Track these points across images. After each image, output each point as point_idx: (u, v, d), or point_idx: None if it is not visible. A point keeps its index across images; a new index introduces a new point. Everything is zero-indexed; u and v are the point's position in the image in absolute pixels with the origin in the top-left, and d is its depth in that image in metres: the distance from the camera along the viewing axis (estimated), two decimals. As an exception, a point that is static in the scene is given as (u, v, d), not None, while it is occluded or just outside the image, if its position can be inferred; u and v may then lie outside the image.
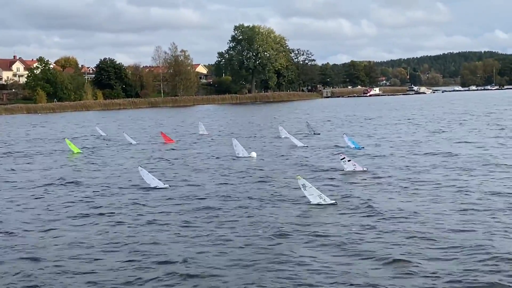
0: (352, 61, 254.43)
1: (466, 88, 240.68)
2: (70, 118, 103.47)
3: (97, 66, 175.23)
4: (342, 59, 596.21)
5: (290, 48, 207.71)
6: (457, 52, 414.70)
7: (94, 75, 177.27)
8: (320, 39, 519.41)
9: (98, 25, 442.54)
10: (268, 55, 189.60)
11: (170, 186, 24.49)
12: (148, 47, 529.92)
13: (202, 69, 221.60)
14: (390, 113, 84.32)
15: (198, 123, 59.99)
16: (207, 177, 27.63)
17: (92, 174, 30.26)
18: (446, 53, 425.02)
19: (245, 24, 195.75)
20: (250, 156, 35.25)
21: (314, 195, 19.09)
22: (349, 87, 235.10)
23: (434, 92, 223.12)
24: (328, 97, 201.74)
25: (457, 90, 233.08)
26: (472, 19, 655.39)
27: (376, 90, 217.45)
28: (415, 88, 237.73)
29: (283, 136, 48.36)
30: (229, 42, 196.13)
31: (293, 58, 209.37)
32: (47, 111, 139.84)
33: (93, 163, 35.21)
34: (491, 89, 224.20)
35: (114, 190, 24.62)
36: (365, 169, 27.32)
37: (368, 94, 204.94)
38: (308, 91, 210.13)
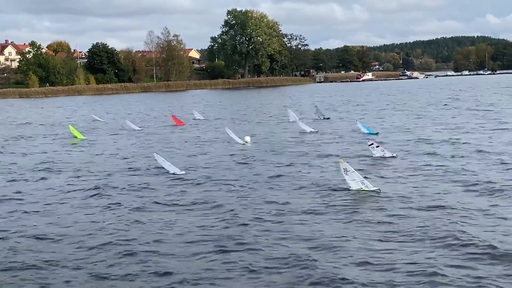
0: (345, 46, 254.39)
1: (459, 73, 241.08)
2: (64, 103, 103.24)
3: (90, 51, 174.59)
4: (334, 44, 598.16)
5: (283, 33, 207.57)
6: (450, 37, 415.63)
7: (86, 60, 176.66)
8: (312, 24, 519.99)
9: (89, 9, 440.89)
10: (261, 40, 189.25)
11: (186, 172, 23.36)
12: (140, 31, 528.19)
13: (195, 54, 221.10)
14: (385, 98, 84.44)
15: (193, 110, 59.37)
16: (227, 162, 26.41)
17: (104, 160, 28.92)
18: (438, 38, 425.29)
19: (238, 9, 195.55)
20: (245, 142, 34.29)
21: (356, 181, 18.10)
22: (342, 72, 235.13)
23: (427, 77, 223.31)
24: (321, 82, 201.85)
25: (450, 75, 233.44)
26: (463, 4, 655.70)
27: (369, 75, 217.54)
28: (408, 73, 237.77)
29: (291, 120, 47.38)
30: (222, 26, 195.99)
31: (286, 43, 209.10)
32: (39, 95, 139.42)
33: (102, 150, 33.58)
34: (484, 74, 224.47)
35: (129, 177, 23.37)
36: (394, 155, 25.98)
37: (361, 79, 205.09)
38: (301, 76, 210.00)
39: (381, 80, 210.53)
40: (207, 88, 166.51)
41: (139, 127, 47.25)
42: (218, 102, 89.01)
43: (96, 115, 60.79)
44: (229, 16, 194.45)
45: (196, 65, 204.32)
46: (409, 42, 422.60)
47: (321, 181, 20.46)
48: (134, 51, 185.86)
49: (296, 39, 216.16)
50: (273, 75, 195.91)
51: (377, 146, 26.26)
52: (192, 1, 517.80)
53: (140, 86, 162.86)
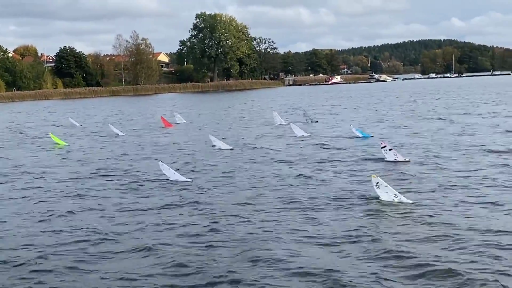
0: (313, 49, 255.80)
1: (426, 76, 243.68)
2: (31, 108, 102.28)
3: (57, 55, 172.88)
4: (302, 47, 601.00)
5: (252, 36, 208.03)
6: (417, 40, 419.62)
7: (54, 64, 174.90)
8: (279, 28, 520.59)
9: (55, 13, 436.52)
10: (230, 43, 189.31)
11: (192, 180, 22.32)
12: (108, 35, 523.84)
13: (163, 58, 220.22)
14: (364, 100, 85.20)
15: (174, 114, 58.65)
16: (233, 169, 25.14)
17: (93, 166, 27.62)
18: (406, 41, 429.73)
19: (207, 12, 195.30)
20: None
21: (388, 194, 17.40)
22: (311, 75, 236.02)
23: (395, 80, 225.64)
24: (290, 85, 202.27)
25: (417, 78, 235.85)
26: (428, 7, 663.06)
27: (338, 78, 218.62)
28: (376, 76, 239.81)
29: (277, 124, 46.60)
30: (190, 30, 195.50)
31: (255, 46, 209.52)
32: (6, 100, 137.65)
33: (87, 157, 31.91)
34: (450, 77, 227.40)
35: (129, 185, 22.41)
36: (407, 159, 24.77)
37: (330, 82, 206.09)
38: (270, 79, 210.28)
39: (350, 83, 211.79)
40: (176, 92, 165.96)
41: (122, 131, 45.73)
42: (192, 106, 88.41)
43: (72, 119, 59.38)
44: (197, 20, 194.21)
45: (165, 69, 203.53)
46: (377, 45, 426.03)
47: (349, 191, 19.48)
48: (102, 55, 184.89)
49: (265, 42, 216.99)
50: (242, 79, 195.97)
51: (390, 149, 25.14)
52: (159, 5, 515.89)
53: (109, 90, 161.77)
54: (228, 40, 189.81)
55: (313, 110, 62.28)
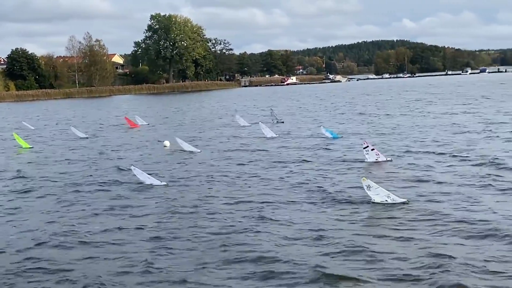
0: (269, 50, 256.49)
1: (380, 76, 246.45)
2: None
3: (8, 57, 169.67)
4: (257, 48, 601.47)
5: (207, 37, 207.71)
6: (370, 41, 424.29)
7: (5, 66, 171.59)
8: (234, 29, 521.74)
9: (5, 14, 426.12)
10: (185, 45, 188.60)
11: (167, 183, 21.75)
12: (60, 37, 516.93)
13: (118, 59, 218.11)
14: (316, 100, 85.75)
15: (135, 116, 57.72)
16: (209, 171, 24.53)
17: (63, 170, 26.80)
18: (360, 42, 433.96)
19: (162, 14, 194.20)
20: (164, 146, 33.68)
21: (380, 195, 17.02)
22: (267, 76, 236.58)
23: (349, 80, 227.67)
24: (246, 86, 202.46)
25: (371, 78, 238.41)
26: (380, 9, 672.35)
27: (294, 79, 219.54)
28: (331, 76, 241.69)
29: (242, 125, 46.15)
30: (145, 31, 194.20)
31: (211, 47, 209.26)
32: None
33: (56, 160, 31.05)
34: (403, 77, 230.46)
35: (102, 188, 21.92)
36: (389, 159, 24.21)
37: (285, 83, 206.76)
38: (226, 81, 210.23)
39: (305, 83, 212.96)
40: (131, 94, 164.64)
41: (85, 134, 44.45)
42: (150, 107, 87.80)
43: (27, 123, 57.85)
44: (152, 21, 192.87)
45: (120, 70, 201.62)
46: (331, 46, 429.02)
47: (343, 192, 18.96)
48: (55, 57, 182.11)
49: (220, 43, 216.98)
50: (198, 80, 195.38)
51: (372, 149, 24.40)
52: (112, 6, 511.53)
53: (62, 92, 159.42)
54: (184, 41, 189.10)
55: (276, 109, 62.02)
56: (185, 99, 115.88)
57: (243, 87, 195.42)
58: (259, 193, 19.40)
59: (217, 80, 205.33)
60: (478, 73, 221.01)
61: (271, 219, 15.92)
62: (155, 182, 21.76)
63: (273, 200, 18.15)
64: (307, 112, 60.31)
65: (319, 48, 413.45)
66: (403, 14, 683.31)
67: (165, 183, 21.72)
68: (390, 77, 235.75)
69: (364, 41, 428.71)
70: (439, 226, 14.43)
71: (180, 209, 17.62)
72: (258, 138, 36.76)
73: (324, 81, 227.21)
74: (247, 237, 14.35)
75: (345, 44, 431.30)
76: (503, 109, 49.58)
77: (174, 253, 13.39)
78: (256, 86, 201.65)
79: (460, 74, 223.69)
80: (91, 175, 24.92)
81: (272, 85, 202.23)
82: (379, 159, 24.02)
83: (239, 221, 15.85)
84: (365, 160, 24.32)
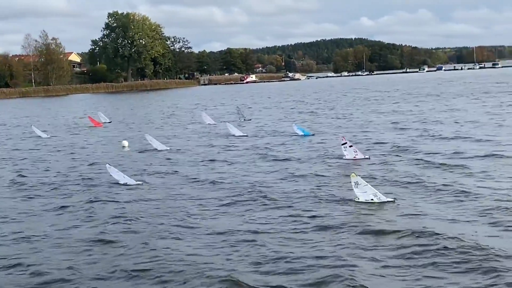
0: (228, 49, 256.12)
1: (339, 74, 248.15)
2: None
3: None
4: (216, 46, 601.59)
5: (166, 35, 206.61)
6: (329, 39, 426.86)
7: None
8: (193, 27, 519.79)
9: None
10: (144, 43, 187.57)
11: (143, 182, 21.27)
12: (15, 35, 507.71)
13: (75, 58, 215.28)
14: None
15: (98, 113, 56.98)
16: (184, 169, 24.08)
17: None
18: (319, 40, 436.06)
19: (119, 11, 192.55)
20: (123, 146, 33.22)
21: (367, 193, 16.44)
22: (226, 74, 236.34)
23: (308, 78, 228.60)
24: (205, 84, 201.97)
25: (330, 76, 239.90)
26: (338, 7, 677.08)
27: (253, 77, 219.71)
28: (290, 74, 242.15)
29: (207, 123, 45.90)
30: (102, 29, 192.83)
31: (170, 45, 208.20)
32: None
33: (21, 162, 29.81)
34: (362, 75, 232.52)
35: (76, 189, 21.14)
36: (366, 156, 23.75)
37: (245, 81, 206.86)
38: (186, 79, 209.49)
39: (264, 82, 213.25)
40: (89, 92, 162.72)
41: (46, 133, 43.48)
42: (110, 106, 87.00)
43: None
44: (110, 19, 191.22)
45: (77, 69, 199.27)
46: (290, 44, 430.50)
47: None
48: (10, 55, 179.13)
49: (179, 42, 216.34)
50: (157, 78, 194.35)
51: (350, 146, 23.94)
52: (68, 4, 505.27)
53: (18, 91, 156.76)
54: (142, 40, 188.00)
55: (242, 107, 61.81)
56: (145, 98, 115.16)
57: (203, 86, 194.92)
58: (233, 193, 18.82)
59: (176, 79, 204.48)
60: (435, 71, 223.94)
61: (252, 218, 15.57)
62: (131, 181, 21.31)
63: (247, 199, 17.83)
64: (272, 110, 60.27)
65: (279, 46, 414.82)
66: (361, 13, 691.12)
67: (140, 182, 21.30)
68: (349, 75, 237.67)
69: (323, 39, 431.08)
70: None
71: (147, 209, 17.22)
72: (226, 137, 36.22)
73: (283, 79, 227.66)
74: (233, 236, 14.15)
75: (304, 43, 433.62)
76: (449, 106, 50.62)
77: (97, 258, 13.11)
78: (216, 84, 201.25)
79: (417, 72, 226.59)
80: (58, 175, 24.45)
81: (231, 84, 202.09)
82: (357, 157, 23.61)
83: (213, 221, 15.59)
84: (344, 157, 23.92)
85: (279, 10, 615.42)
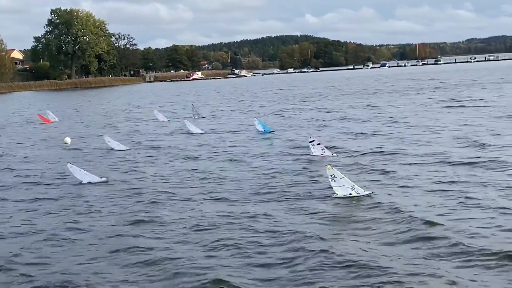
0: (174, 45, 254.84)
1: (285, 71, 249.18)
2: None
3: None
4: (161, 43, 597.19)
5: (111, 32, 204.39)
6: (275, 36, 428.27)
7: None
8: (138, 24, 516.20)
9: None
10: (87, 40, 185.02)
11: (107, 179, 20.88)
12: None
13: (17, 55, 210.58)
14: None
15: (46, 111, 55.78)
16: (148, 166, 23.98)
17: None
18: (264, 37, 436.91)
19: (62, 8, 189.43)
20: (65, 142, 32.65)
21: (345, 187, 16.06)
22: (172, 71, 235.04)
23: (254, 75, 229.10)
24: (151, 81, 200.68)
25: (276, 73, 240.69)
26: (282, 4, 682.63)
27: (199, 74, 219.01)
28: (236, 71, 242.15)
29: (161, 120, 45.62)
30: (45, 26, 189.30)
31: (114, 42, 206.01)
32: None
33: None
34: (307, 71, 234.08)
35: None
36: (334, 154, 23.63)
37: (191, 78, 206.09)
38: (131, 76, 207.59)
39: (210, 79, 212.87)
40: (32, 90, 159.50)
41: None
42: (56, 104, 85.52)
43: None
44: (53, 15, 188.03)
45: (20, 66, 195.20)
46: (236, 41, 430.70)
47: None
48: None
49: (124, 38, 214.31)
50: (101, 76, 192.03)
51: (318, 144, 23.84)
52: (10, 0, 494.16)
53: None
54: (86, 36, 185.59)
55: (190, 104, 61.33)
56: (91, 95, 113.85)
57: (148, 83, 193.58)
58: (200, 191, 18.52)
59: (121, 76, 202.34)
60: (379, 67, 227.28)
61: (215, 218, 15.26)
62: (94, 179, 20.76)
63: (214, 196, 17.63)
64: (226, 107, 60.35)
65: (224, 43, 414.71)
66: (305, 10, 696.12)
67: (105, 178, 20.82)
68: (294, 72, 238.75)
69: (268, 36, 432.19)
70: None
71: (111, 206, 17.00)
72: (184, 134, 35.92)
73: (229, 76, 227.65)
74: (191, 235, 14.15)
75: (250, 39, 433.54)
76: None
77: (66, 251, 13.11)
78: (161, 81, 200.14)
79: (361, 68, 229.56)
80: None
81: (177, 81, 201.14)
82: (325, 154, 23.52)
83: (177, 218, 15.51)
84: (311, 154, 23.85)
85: (224, 7, 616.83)
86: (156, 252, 12.38)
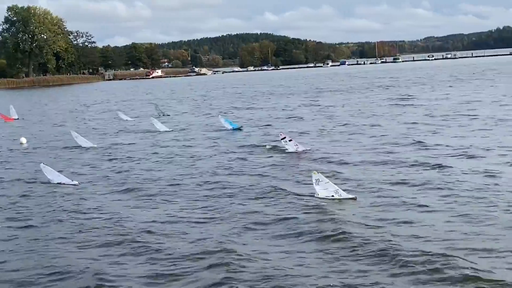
0: (133, 43, 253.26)
1: (245, 69, 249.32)
2: None
3: None
4: (120, 41, 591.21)
5: (69, 30, 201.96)
6: (235, 34, 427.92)
7: None
8: (96, 22, 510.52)
9: None
10: (45, 37, 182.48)
11: (79, 183, 20.37)
12: None
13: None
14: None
15: (10, 107, 54.83)
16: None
17: None
18: (224, 35, 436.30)
19: (19, 5, 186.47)
20: (20, 143, 32.28)
21: (328, 190, 16.24)
22: (132, 69, 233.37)
23: (215, 73, 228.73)
24: (110, 79, 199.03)
25: (237, 71, 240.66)
26: (242, 2, 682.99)
27: (159, 72, 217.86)
28: (197, 69, 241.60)
29: (125, 119, 45.40)
30: (2, 23, 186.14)
31: (72, 40, 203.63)
32: None
33: None
34: (267, 70, 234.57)
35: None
36: (308, 149, 24.13)
37: (150, 76, 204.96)
38: (90, 74, 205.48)
39: (170, 77, 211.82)
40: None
41: None
42: (15, 102, 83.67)
43: None
44: (9, 13, 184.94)
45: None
46: (196, 39, 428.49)
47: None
48: None
49: (82, 36, 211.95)
50: (60, 74, 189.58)
51: (290, 140, 24.32)
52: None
53: None
54: (43, 34, 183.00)
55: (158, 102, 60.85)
56: (51, 93, 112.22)
57: (107, 81, 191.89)
58: (169, 191, 18.39)
59: (80, 74, 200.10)
60: (339, 65, 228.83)
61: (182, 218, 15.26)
62: (66, 180, 20.39)
63: (186, 195, 17.60)
64: (189, 105, 60.14)
65: (184, 41, 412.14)
66: (265, 8, 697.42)
67: (76, 182, 20.33)
68: (255, 70, 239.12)
69: (228, 34, 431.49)
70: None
71: (82, 209, 16.66)
72: (151, 132, 35.61)
73: (189, 74, 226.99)
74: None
75: (209, 37, 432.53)
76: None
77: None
78: (121, 79, 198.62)
79: (322, 66, 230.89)
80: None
81: (137, 79, 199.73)
82: (299, 149, 23.90)
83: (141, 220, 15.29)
84: (286, 151, 24.14)
85: (183, 5, 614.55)
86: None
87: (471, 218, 13.58)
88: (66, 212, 16.27)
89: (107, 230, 14.23)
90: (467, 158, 20.94)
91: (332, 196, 16.17)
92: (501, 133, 26.36)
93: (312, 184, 16.65)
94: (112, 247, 12.85)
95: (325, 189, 16.35)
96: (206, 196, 17.34)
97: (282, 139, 24.64)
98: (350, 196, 16.18)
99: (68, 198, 18.12)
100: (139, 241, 13.09)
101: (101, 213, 15.96)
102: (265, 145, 26.21)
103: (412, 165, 20.03)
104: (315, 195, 16.44)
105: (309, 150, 24.16)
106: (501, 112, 34.51)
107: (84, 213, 16.13)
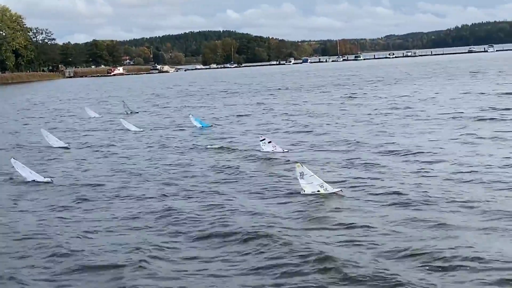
0: (94, 41, 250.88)
1: (208, 67, 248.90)
2: None
3: None
4: (81, 38, 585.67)
5: (28, 27, 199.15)
6: (198, 31, 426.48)
7: None
8: (56, 18, 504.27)
9: None
10: (4, 34, 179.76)
11: (52, 179, 20.02)
12: None
13: None
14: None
15: None
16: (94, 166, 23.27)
17: None
18: (187, 32, 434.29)
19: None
20: None
21: (313, 184, 15.93)
22: (93, 66, 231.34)
23: (177, 71, 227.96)
24: (70, 77, 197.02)
25: (199, 69, 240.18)
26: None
27: (120, 70, 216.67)
28: (159, 67, 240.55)
29: (92, 116, 45.15)
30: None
31: (32, 37, 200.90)
32: None
33: None
34: (230, 67, 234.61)
35: None
36: (285, 150, 23.82)
37: (112, 74, 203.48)
38: (50, 71, 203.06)
39: (132, 74, 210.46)
40: None
41: None
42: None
43: None
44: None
45: None
46: (158, 37, 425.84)
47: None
48: None
49: (42, 33, 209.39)
50: (19, 71, 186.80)
51: (269, 142, 24.12)
52: None
53: None
54: (2, 31, 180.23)
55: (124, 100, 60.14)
56: (12, 92, 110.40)
57: (68, 78, 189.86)
58: (158, 189, 18.14)
59: (40, 71, 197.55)
60: (301, 63, 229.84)
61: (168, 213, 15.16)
62: (38, 178, 20.07)
63: (169, 193, 17.43)
64: (157, 103, 59.82)
65: (146, 38, 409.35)
66: (227, 5, 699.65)
67: (49, 179, 20.01)
68: (217, 67, 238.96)
69: (191, 32, 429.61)
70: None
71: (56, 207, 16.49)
72: (121, 130, 35.27)
73: (151, 71, 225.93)
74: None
75: (172, 35, 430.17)
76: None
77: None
78: (82, 77, 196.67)
79: (284, 64, 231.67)
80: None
81: (98, 76, 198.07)
82: (276, 150, 23.76)
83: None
84: (261, 150, 24.02)
85: (144, 2, 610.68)
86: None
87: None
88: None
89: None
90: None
91: (318, 191, 15.92)
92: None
93: (297, 179, 16.36)
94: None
95: (310, 183, 16.03)
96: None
97: (261, 140, 24.48)
98: (336, 189, 16.01)
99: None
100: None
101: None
102: (212, 145, 26.35)
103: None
104: (301, 192, 16.13)
105: (287, 151, 23.82)
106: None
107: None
